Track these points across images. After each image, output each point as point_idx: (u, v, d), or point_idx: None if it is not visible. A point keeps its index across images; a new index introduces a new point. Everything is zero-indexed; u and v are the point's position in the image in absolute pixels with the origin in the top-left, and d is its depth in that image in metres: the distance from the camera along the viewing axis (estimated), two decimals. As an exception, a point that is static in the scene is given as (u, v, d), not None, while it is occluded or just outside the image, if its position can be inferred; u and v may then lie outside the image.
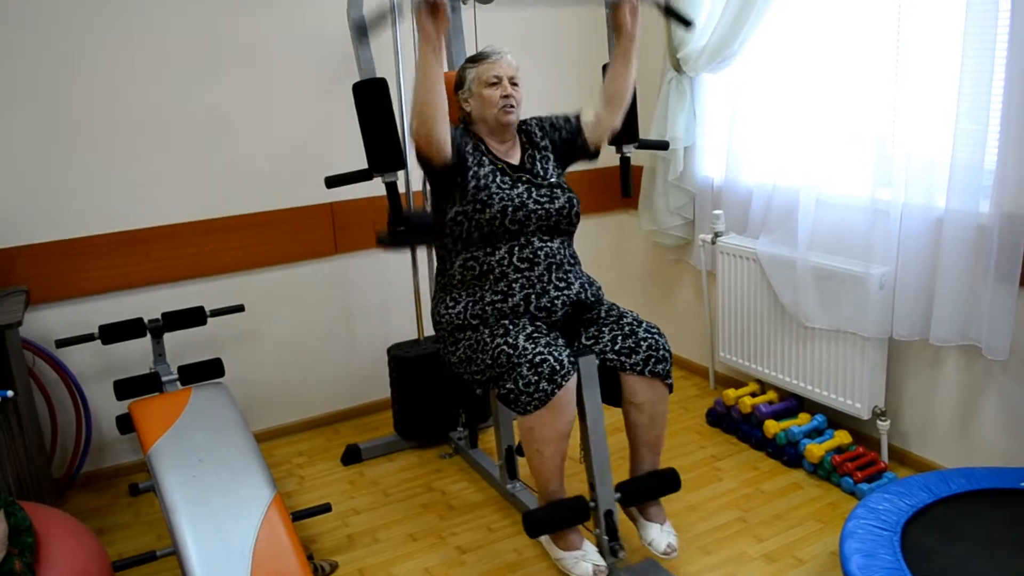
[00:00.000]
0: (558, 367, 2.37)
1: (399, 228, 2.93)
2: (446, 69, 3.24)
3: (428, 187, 3.54)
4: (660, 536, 2.56)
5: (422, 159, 2.56)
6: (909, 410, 3.20)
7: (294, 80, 3.54)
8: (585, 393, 2.48)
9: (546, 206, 2.63)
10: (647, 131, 3.91)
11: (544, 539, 2.59)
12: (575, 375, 2.43)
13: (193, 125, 3.39)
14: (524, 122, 2.83)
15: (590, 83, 4.14)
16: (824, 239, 3.27)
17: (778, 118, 3.41)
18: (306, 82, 3.57)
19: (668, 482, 2.61)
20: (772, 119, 3.45)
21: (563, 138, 2.81)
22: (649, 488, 2.61)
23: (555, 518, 2.49)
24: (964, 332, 2.86)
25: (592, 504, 2.51)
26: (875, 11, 2.97)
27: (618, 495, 2.55)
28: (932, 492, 2.61)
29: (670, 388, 2.62)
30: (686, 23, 2.73)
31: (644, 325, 2.59)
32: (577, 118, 2.84)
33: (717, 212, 3.70)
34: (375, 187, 3.55)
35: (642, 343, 2.53)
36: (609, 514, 2.50)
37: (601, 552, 2.51)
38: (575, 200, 2.70)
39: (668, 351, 2.57)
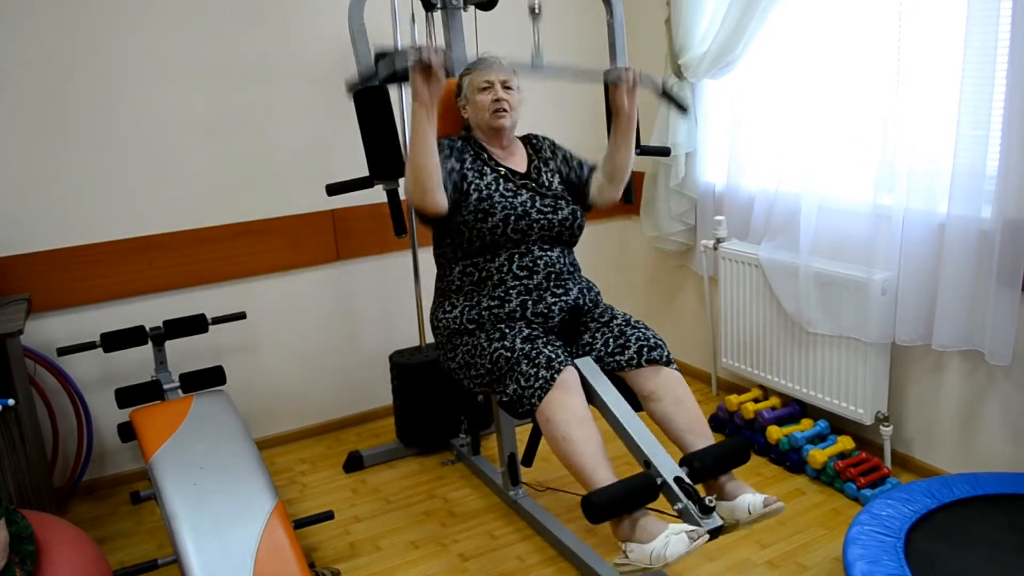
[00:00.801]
0: (554, 357, 2.36)
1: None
2: (449, 77, 3.25)
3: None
4: (754, 498, 2.21)
5: (418, 214, 2.56)
6: (912, 415, 3.20)
7: (295, 88, 3.55)
8: (595, 387, 2.40)
9: (549, 216, 2.62)
10: (648, 137, 3.91)
11: (622, 564, 2.16)
12: (573, 367, 2.40)
13: (195, 133, 3.39)
14: (535, 137, 2.83)
15: (590, 87, 4.15)
16: (826, 245, 3.27)
17: (779, 124, 3.41)
18: (307, 90, 3.57)
19: (737, 451, 2.29)
20: (773, 125, 3.45)
21: (570, 178, 2.79)
22: (716, 458, 2.26)
23: (621, 497, 2.12)
24: (967, 337, 2.86)
25: (659, 480, 2.18)
26: (876, 17, 2.97)
27: (685, 469, 2.22)
28: (935, 498, 2.60)
29: (678, 372, 2.49)
30: (683, 108, 2.71)
31: (632, 322, 2.56)
32: (590, 170, 2.80)
33: (719, 218, 3.70)
34: (376, 194, 3.55)
35: (631, 338, 2.50)
36: (680, 480, 2.17)
37: (694, 522, 2.13)
38: (578, 212, 2.69)
39: (659, 340, 2.51)
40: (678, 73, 3.75)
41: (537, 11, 2.47)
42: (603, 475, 2.21)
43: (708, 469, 2.24)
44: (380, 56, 2.57)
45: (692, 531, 2.05)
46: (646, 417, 2.44)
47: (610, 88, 2.62)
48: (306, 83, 3.56)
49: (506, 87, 2.67)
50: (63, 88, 3.15)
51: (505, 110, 2.65)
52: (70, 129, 3.19)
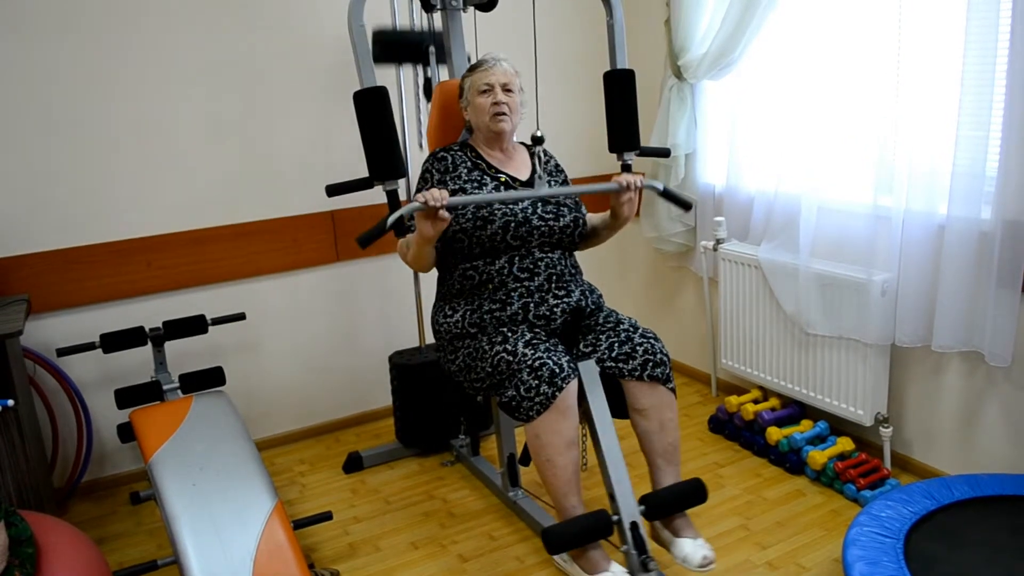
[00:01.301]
0: (558, 370, 2.37)
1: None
2: (448, 78, 3.25)
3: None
4: (694, 550, 2.39)
5: None
6: (912, 417, 3.20)
7: (295, 88, 3.55)
8: (589, 397, 2.46)
9: (550, 223, 2.61)
10: (648, 138, 3.91)
11: (566, 563, 2.45)
12: (576, 379, 2.42)
13: (194, 134, 3.40)
14: (545, 151, 2.81)
15: (590, 88, 4.16)
16: (826, 246, 3.27)
17: (779, 125, 3.41)
18: (307, 90, 3.57)
19: (694, 493, 2.46)
20: (773, 126, 3.45)
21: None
22: (674, 499, 2.45)
23: (576, 533, 2.32)
24: (966, 339, 2.86)
25: (615, 518, 2.36)
26: (876, 18, 2.97)
27: (642, 508, 2.40)
28: (935, 499, 2.60)
29: (673, 393, 2.56)
30: (686, 206, 2.75)
31: (640, 331, 2.57)
32: (583, 216, 2.76)
33: (719, 219, 3.70)
34: (376, 195, 3.56)
35: (638, 348, 2.51)
36: (635, 526, 2.35)
37: (631, 571, 2.34)
38: (580, 220, 2.68)
39: (665, 355, 2.53)
40: (678, 74, 3.75)
41: (540, 137, 2.55)
42: (572, 503, 2.41)
43: (664, 507, 2.44)
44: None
45: None
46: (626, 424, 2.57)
47: (612, 195, 2.64)
48: (306, 84, 3.56)
49: (507, 90, 2.65)
50: (63, 89, 3.15)
51: (505, 113, 2.64)
52: (70, 129, 3.19)
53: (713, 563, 2.39)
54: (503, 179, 2.66)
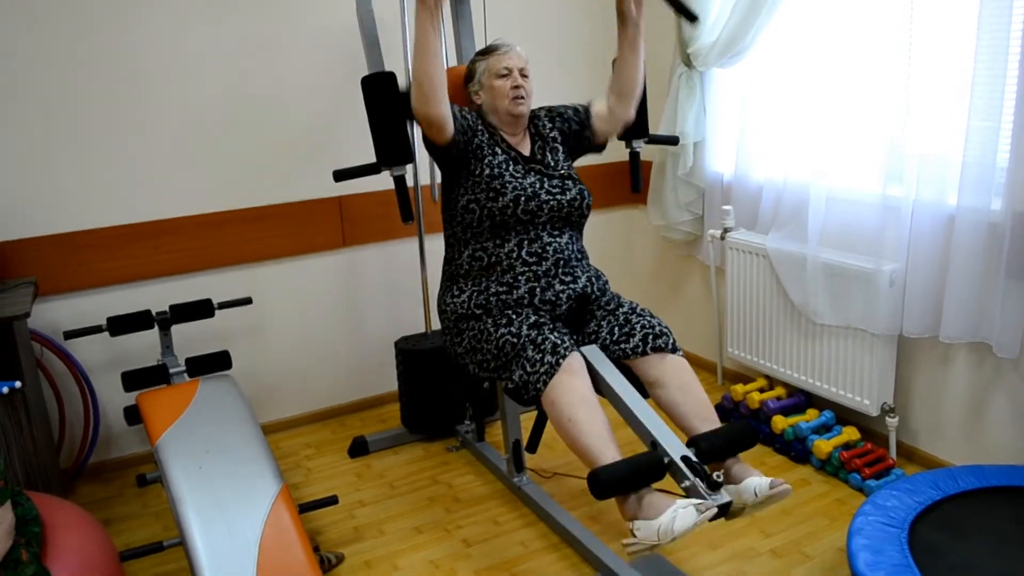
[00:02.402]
0: (559, 343, 2.37)
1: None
2: (456, 64, 3.24)
3: (438, 179, 3.54)
4: (760, 481, 2.18)
5: (426, 139, 2.58)
6: (918, 407, 3.19)
7: (302, 73, 3.54)
8: (602, 373, 2.40)
9: (558, 197, 2.62)
10: (657, 126, 3.90)
11: (635, 540, 2.10)
12: (579, 353, 2.40)
13: (201, 118, 3.39)
14: (532, 112, 2.83)
15: (600, 73, 4.14)
16: (834, 235, 3.26)
17: (789, 113, 3.39)
18: (314, 76, 3.56)
19: (744, 435, 2.27)
20: (783, 114, 3.43)
21: (572, 129, 2.81)
22: (723, 441, 2.23)
23: (626, 473, 2.10)
24: (974, 329, 2.85)
25: (665, 459, 2.16)
26: (888, 6, 2.95)
27: (691, 449, 2.19)
28: (941, 489, 2.60)
29: (683, 358, 2.48)
30: (691, 17, 2.68)
31: (638, 311, 2.56)
32: (586, 109, 2.83)
33: (726, 207, 3.68)
34: (383, 181, 3.55)
35: (636, 326, 2.50)
36: (687, 459, 2.14)
37: (702, 498, 2.10)
38: (586, 192, 2.70)
39: (665, 328, 2.51)
40: (687, 62, 3.74)
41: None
42: (609, 454, 2.20)
43: (715, 450, 2.22)
44: None
45: (700, 504, 2.04)
46: (653, 404, 2.43)
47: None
48: (314, 69, 3.56)
49: (523, 75, 2.68)
50: (72, 73, 3.14)
51: (523, 97, 2.67)
52: (78, 114, 3.18)
53: (786, 485, 2.18)
54: (512, 154, 2.67)
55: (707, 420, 2.36)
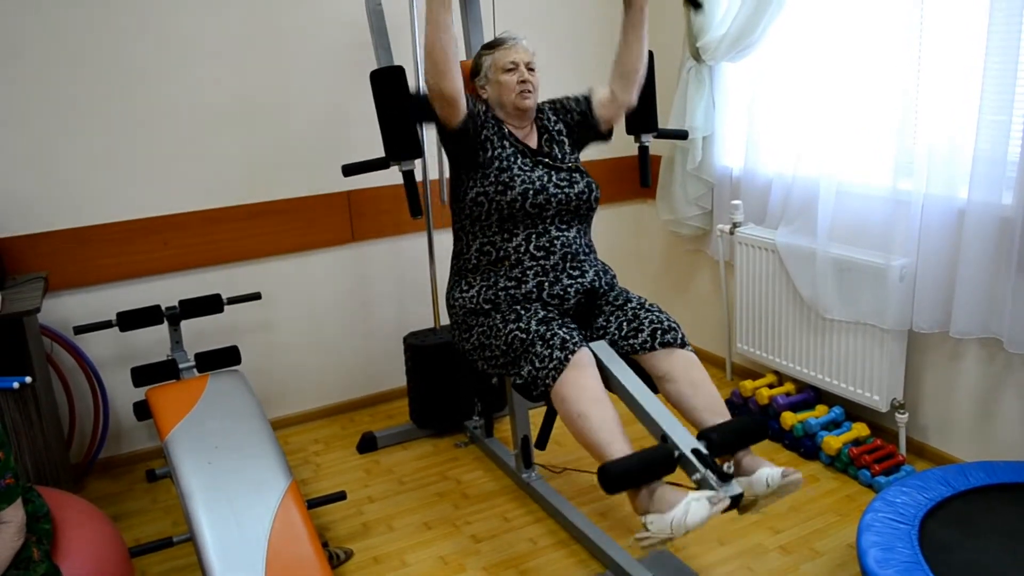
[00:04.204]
0: (568, 338, 2.36)
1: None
2: (463, 58, 3.23)
3: (447, 173, 3.54)
4: (772, 471, 2.16)
5: (439, 124, 2.58)
6: (928, 403, 3.18)
7: (312, 68, 3.54)
8: (611, 369, 2.39)
9: (566, 191, 2.62)
10: (665, 120, 3.88)
11: (647, 533, 2.09)
12: (587, 348, 2.40)
13: (211, 114, 3.39)
14: (540, 110, 2.82)
15: (608, 67, 4.12)
16: (844, 230, 3.24)
17: (798, 107, 3.37)
18: (324, 70, 3.56)
19: (755, 427, 2.25)
20: (792, 108, 3.42)
21: (576, 120, 2.80)
22: (733, 433, 2.22)
23: (637, 468, 2.09)
24: (985, 325, 2.83)
25: (676, 453, 2.15)
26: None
27: (702, 443, 2.18)
28: (951, 486, 2.59)
29: (692, 353, 2.47)
30: (696, 4, 2.66)
31: (646, 306, 2.55)
32: (587, 98, 2.82)
33: (736, 202, 3.67)
34: (392, 175, 3.54)
35: (644, 321, 2.49)
36: (697, 452, 2.14)
37: (714, 489, 2.09)
38: (594, 185, 2.69)
39: (674, 323, 2.50)
40: (696, 56, 3.72)
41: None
42: (619, 448, 2.19)
43: (726, 443, 2.20)
44: None
45: (712, 495, 2.03)
46: (663, 399, 2.42)
47: None
48: (323, 64, 3.55)
49: (530, 69, 2.68)
50: (82, 68, 3.15)
51: (530, 91, 2.67)
52: (88, 109, 3.19)
53: (797, 474, 2.17)
54: (520, 147, 2.67)
55: (717, 414, 2.34)
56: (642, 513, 2.14)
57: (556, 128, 2.77)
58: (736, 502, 2.10)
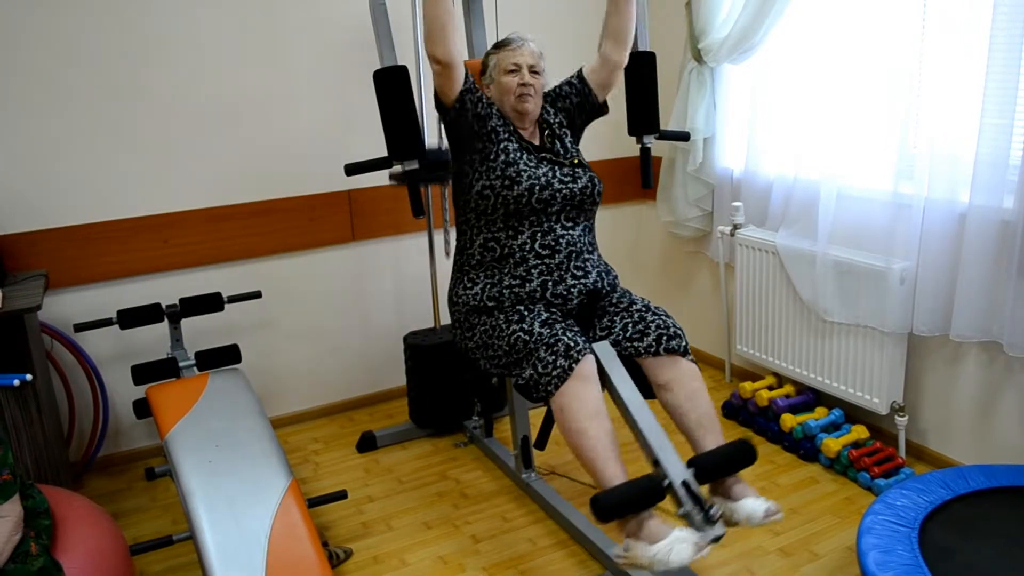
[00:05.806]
0: (573, 345, 2.36)
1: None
2: (468, 58, 3.23)
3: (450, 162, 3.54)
4: (756, 505, 2.26)
5: (438, 100, 2.59)
6: (928, 406, 3.18)
7: (313, 67, 3.54)
8: (610, 374, 2.41)
9: (570, 186, 2.62)
10: (667, 122, 3.88)
11: (628, 551, 2.18)
12: (592, 356, 2.40)
13: (212, 111, 3.39)
14: (549, 107, 2.82)
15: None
16: (845, 233, 3.24)
17: (800, 110, 3.38)
18: (326, 69, 3.56)
19: (743, 453, 2.31)
20: (794, 111, 3.42)
21: (575, 103, 2.81)
22: (722, 460, 2.29)
23: (626, 497, 2.15)
24: (985, 328, 2.84)
25: (665, 482, 2.21)
26: (900, 2, 2.94)
27: (691, 470, 2.25)
28: (950, 489, 2.59)
29: (694, 365, 2.51)
30: None
31: (653, 309, 2.56)
32: (579, 74, 2.82)
33: (736, 204, 3.68)
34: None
35: (651, 325, 2.50)
36: (686, 485, 2.20)
37: (697, 529, 2.17)
38: (596, 179, 2.70)
39: (679, 329, 2.51)
40: (698, 57, 3.72)
41: None
42: (612, 471, 2.25)
43: (715, 470, 2.29)
44: None
45: (698, 542, 2.11)
46: (656, 405, 2.45)
47: None
48: (325, 63, 3.55)
49: (533, 72, 2.67)
50: (83, 66, 3.14)
51: (530, 95, 2.66)
52: (87, 107, 3.19)
53: (779, 513, 2.27)
54: (524, 144, 2.68)
55: (711, 432, 2.41)
56: (628, 536, 2.20)
57: (556, 120, 2.78)
58: (717, 541, 2.18)
